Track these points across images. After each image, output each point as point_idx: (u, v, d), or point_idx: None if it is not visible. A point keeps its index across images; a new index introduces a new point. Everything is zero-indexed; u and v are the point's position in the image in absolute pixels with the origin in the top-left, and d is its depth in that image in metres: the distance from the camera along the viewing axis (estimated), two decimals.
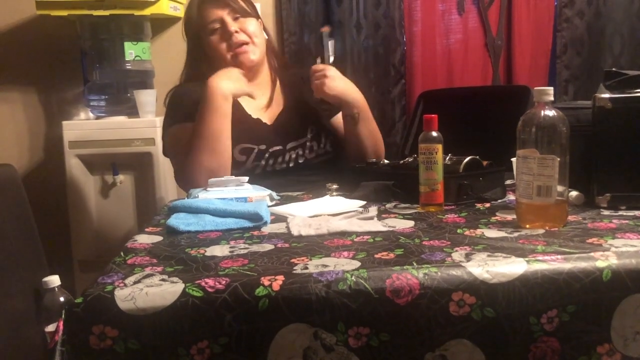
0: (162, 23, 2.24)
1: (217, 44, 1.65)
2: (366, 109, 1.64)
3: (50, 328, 1.18)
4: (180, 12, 2.20)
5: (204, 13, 1.65)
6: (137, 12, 2.03)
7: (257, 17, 1.72)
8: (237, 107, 1.65)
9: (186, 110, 1.60)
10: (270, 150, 1.61)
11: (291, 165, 1.64)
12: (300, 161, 1.63)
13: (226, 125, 1.52)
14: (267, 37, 1.74)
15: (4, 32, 2.22)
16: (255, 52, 1.66)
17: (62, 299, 1.22)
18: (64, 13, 2.00)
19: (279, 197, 1.46)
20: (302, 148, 1.65)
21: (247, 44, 1.64)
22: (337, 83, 1.58)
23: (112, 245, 1.92)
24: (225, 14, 1.63)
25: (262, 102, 1.72)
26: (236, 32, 1.63)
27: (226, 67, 1.65)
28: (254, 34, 1.66)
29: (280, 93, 1.75)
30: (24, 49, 2.22)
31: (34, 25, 2.19)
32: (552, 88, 1.05)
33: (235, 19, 1.65)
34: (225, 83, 1.52)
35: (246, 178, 1.45)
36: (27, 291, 1.31)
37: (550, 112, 1.04)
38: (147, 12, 2.04)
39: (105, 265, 0.94)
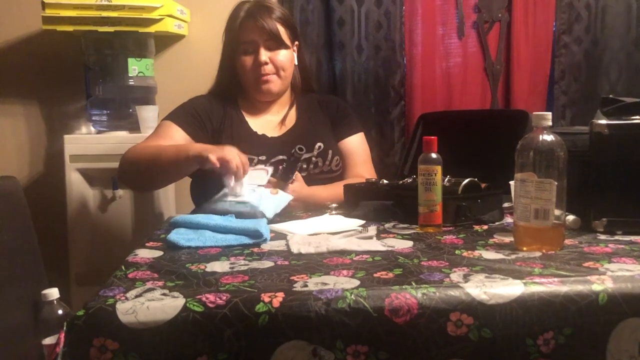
0: (165, 40, 2.26)
1: (245, 65, 1.70)
2: (325, 200, 1.58)
3: (48, 341, 1.18)
4: (184, 30, 2.22)
5: (243, 31, 1.68)
6: (141, 29, 2.05)
7: (294, 42, 1.76)
8: (241, 123, 1.70)
9: (182, 113, 1.69)
10: (272, 160, 1.63)
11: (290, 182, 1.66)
12: (303, 174, 1.65)
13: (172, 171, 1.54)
14: (296, 64, 1.78)
15: (10, 46, 2.24)
16: (277, 85, 1.72)
17: (60, 312, 1.22)
18: (69, 28, 2.02)
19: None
20: (306, 162, 1.68)
21: (271, 75, 1.69)
22: (300, 206, 1.56)
23: (109, 260, 1.91)
24: (261, 41, 1.67)
25: (277, 119, 1.77)
26: (265, 63, 1.68)
27: (250, 90, 1.73)
28: (283, 66, 1.71)
29: (295, 112, 1.80)
30: (28, 63, 2.24)
31: (39, 39, 2.21)
32: (550, 113, 1.07)
33: (269, 48, 1.69)
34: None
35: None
36: (25, 303, 1.31)
37: (549, 137, 1.06)
38: (152, 29, 2.06)
39: (103, 279, 0.94)
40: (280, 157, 1.63)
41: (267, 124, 1.75)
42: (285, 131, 1.74)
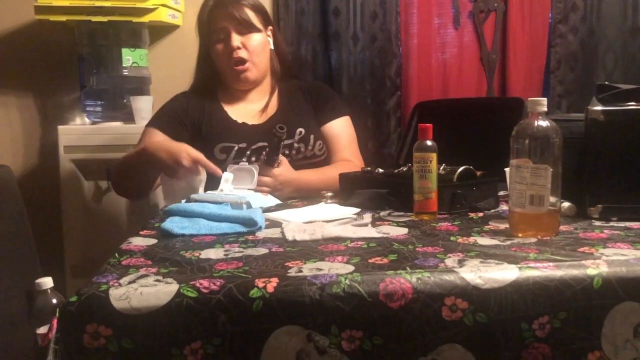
0: (160, 30, 2.24)
1: (220, 54, 1.71)
2: (313, 184, 1.60)
3: (42, 330, 1.17)
4: (178, 19, 2.21)
5: (212, 20, 1.70)
6: (135, 19, 2.04)
7: (267, 27, 1.76)
8: (220, 113, 1.72)
9: (161, 115, 1.71)
10: (253, 147, 1.63)
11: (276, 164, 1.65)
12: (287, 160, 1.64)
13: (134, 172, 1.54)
14: (272, 48, 1.78)
15: (2, 36, 2.22)
16: (254, 72, 1.72)
17: (54, 301, 1.21)
18: (62, 18, 2.00)
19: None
20: (288, 148, 1.67)
21: (246, 62, 1.69)
22: (287, 190, 1.57)
23: (104, 251, 1.90)
24: (231, 26, 1.68)
25: (258, 108, 1.76)
26: (238, 48, 1.67)
27: (227, 79, 1.73)
28: (255, 51, 1.70)
29: (277, 99, 1.79)
30: (21, 53, 2.22)
31: (31, 29, 2.20)
32: (545, 99, 1.06)
33: (241, 33, 1.69)
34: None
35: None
36: (19, 293, 1.31)
37: (544, 123, 1.06)
38: (146, 19, 2.04)
39: (98, 269, 0.94)
40: (260, 144, 1.63)
41: (248, 112, 1.74)
42: (266, 119, 1.73)
